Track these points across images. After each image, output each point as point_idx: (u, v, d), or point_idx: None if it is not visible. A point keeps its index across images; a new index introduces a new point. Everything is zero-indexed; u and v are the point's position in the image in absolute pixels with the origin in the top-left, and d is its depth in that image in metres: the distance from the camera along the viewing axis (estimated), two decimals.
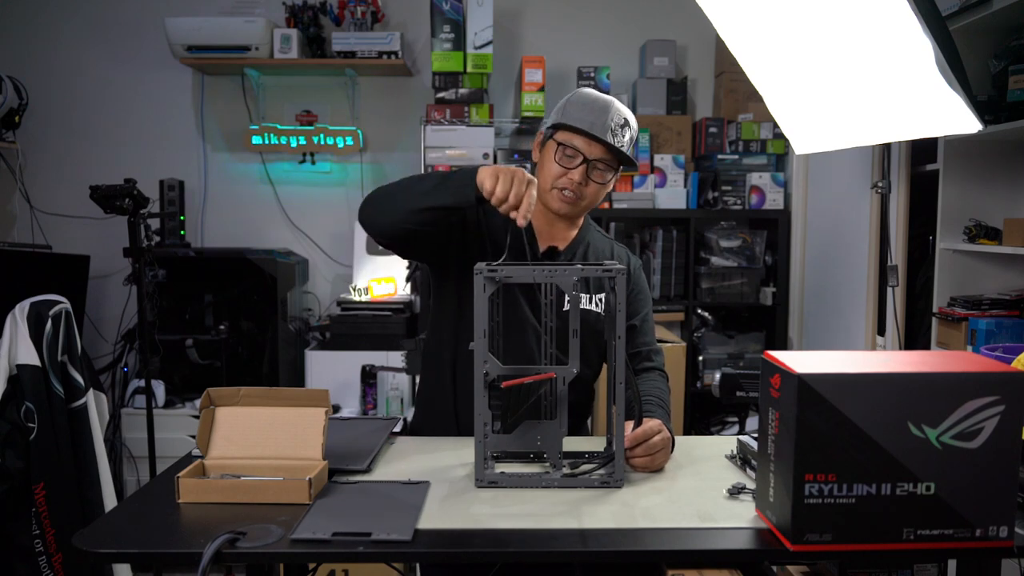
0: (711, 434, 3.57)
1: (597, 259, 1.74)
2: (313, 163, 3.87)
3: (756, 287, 3.64)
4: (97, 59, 3.85)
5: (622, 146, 1.63)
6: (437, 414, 1.74)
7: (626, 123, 1.65)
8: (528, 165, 3.46)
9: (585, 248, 1.76)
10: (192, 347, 3.43)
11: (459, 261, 1.67)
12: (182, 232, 3.67)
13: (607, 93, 3.84)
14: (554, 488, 1.36)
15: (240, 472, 1.37)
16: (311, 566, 1.56)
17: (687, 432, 3.46)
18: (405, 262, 3.59)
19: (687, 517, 1.25)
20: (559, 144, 1.64)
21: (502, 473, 1.38)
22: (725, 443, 1.62)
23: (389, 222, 1.55)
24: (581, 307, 1.68)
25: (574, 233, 1.75)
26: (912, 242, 2.75)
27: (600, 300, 1.72)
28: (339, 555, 1.22)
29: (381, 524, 1.19)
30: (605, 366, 1.74)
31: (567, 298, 1.60)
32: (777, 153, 3.61)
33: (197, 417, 1.64)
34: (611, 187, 1.72)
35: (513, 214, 1.44)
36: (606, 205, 3.53)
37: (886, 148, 2.70)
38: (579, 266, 1.44)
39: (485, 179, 1.44)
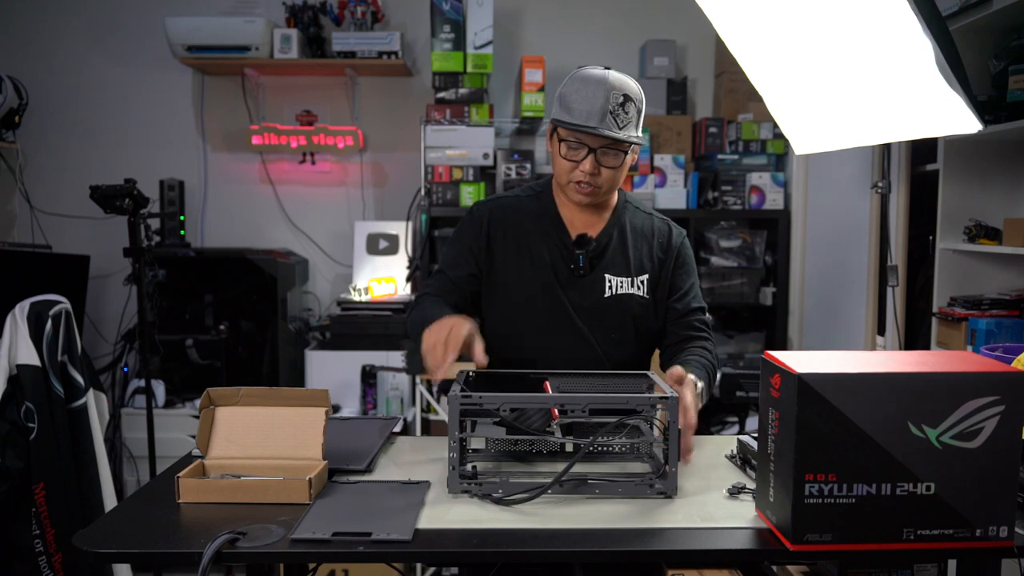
0: (711, 434, 3.56)
1: (636, 240, 1.73)
2: (313, 163, 3.87)
3: (756, 287, 3.64)
4: (97, 59, 3.85)
5: (627, 124, 1.60)
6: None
7: (627, 99, 1.59)
8: (528, 165, 3.47)
9: (620, 231, 1.73)
10: (192, 347, 3.43)
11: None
12: (182, 232, 3.68)
13: None
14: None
15: (240, 472, 1.37)
16: (311, 566, 1.56)
17: None
18: (405, 261, 3.60)
19: (687, 517, 1.25)
20: (561, 140, 1.63)
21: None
22: (725, 443, 1.63)
23: None
24: (622, 292, 1.70)
25: (607, 216, 1.73)
26: (912, 242, 2.74)
27: (643, 282, 1.71)
28: (339, 555, 1.22)
29: (381, 524, 1.19)
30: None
31: (608, 286, 1.69)
32: (777, 153, 3.61)
33: (197, 417, 1.64)
34: (629, 164, 1.68)
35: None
36: None
37: (886, 148, 2.70)
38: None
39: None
